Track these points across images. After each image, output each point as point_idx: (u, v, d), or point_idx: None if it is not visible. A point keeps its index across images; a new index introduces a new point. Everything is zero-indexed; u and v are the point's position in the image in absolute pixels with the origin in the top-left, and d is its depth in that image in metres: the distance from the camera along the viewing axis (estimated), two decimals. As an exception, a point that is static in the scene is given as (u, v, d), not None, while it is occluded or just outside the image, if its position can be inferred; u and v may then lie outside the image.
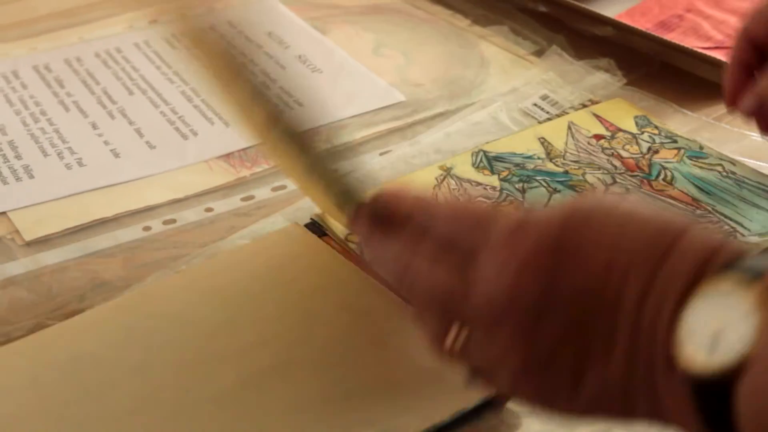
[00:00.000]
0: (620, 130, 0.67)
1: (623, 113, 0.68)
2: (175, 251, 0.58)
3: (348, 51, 0.79)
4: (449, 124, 0.69)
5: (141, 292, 0.54)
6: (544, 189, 0.61)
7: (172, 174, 0.65)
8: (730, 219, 0.58)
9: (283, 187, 0.64)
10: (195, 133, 0.69)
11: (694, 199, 0.60)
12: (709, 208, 0.59)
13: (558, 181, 0.62)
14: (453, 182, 0.62)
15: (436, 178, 0.62)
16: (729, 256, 0.34)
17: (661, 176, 0.62)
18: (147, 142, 0.68)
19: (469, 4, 0.84)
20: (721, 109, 0.69)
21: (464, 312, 0.39)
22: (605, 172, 0.62)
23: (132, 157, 0.67)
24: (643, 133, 0.66)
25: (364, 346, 0.50)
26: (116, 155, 0.67)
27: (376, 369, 0.48)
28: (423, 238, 0.41)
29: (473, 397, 0.45)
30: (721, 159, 0.63)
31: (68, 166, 0.66)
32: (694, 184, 0.61)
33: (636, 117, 0.68)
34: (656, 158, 0.64)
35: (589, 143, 0.65)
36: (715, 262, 0.34)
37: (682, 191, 0.60)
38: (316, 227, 0.59)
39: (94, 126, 0.70)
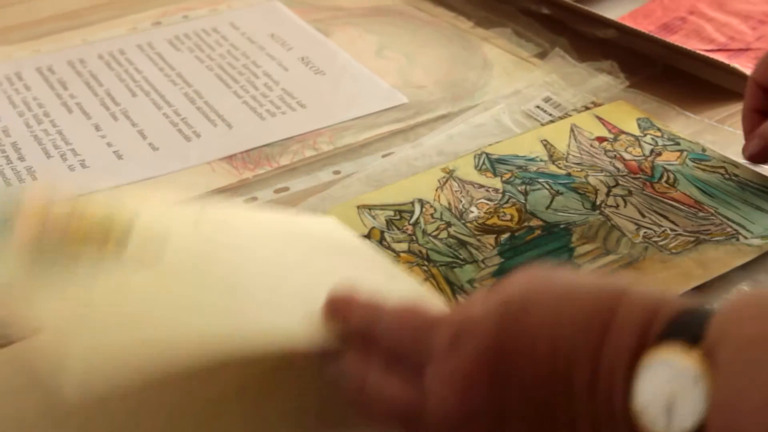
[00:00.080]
0: (623, 132, 0.67)
1: (626, 115, 0.68)
2: (178, 253, 0.58)
3: (351, 53, 0.79)
4: (452, 126, 0.69)
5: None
6: (546, 191, 0.61)
7: (175, 176, 0.65)
8: (733, 221, 0.58)
9: (286, 189, 0.64)
10: (198, 135, 0.69)
11: (697, 202, 0.60)
12: (712, 211, 0.59)
13: (560, 184, 0.62)
14: (455, 184, 0.62)
15: (439, 180, 0.62)
16: (667, 319, 0.35)
17: (664, 179, 0.62)
18: (150, 144, 0.68)
19: (472, 6, 0.84)
20: (723, 111, 0.69)
21: (425, 424, 0.39)
22: (608, 174, 0.62)
23: (135, 159, 0.67)
24: (645, 135, 0.66)
25: None
26: (119, 157, 0.67)
27: None
28: (373, 351, 0.41)
29: None
30: (724, 161, 0.63)
31: (71, 168, 0.66)
32: (696, 186, 0.61)
33: (638, 119, 0.68)
34: (659, 161, 0.64)
35: (591, 145, 0.65)
36: (654, 330, 0.35)
37: (685, 194, 0.60)
38: (319, 229, 0.59)
39: (97, 128, 0.70)
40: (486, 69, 0.76)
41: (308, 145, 0.68)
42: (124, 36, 0.82)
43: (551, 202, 0.60)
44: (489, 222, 0.59)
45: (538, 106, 0.70)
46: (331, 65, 0.77)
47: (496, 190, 0.61)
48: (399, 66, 0.77)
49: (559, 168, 0.63)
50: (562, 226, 0.58)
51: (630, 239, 0.57)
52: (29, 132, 0.69)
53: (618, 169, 0.63)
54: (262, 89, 0.74)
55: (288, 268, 0.50)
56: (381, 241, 0.57)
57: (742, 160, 0.63)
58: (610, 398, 0.35)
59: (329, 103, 0.72)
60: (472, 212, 0.59)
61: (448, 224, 0.58)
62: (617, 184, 0.61)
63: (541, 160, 0.64)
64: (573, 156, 0.64)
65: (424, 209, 0.60)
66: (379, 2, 0.87)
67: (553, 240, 0.57)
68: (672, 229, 0.57)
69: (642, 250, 0.56)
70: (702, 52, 0.72)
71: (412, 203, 0.60)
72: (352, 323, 0.42)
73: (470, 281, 0.54)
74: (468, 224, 0.58)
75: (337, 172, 0.65)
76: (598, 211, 0.59)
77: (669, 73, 0.73)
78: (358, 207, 0.60)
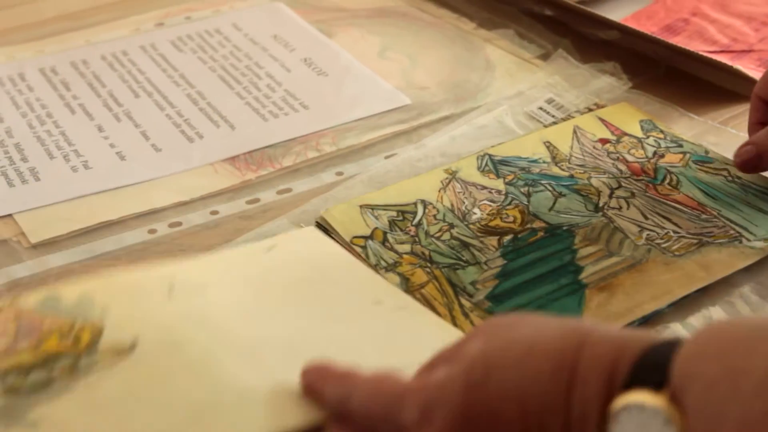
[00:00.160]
0: (626, 134, 0.67)
1: (629, 117, 0.68)
2: (181, 254, 0.58)
3: (353, 54, 0.79)
4: (455, 128, 0.69)
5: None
6: (549, 193, 0.61)
7: (178, 177, 0.65)
8: (736, 224, 0.58)
9: (289, 190, 0.64)
10: (201, 136, 0.69)
11: (700, 204, 0.60)
12: (715, 213, 0.59)
13: (563, 185, 0.62)
14: (458, 185, 0.62)
15: (442, 181, 0.62)
16: (631, 362, 0.35)
17: (667, 180, 0.62)
18: (153, 145, 0.68)
19: (475, 8, 0.84)
20: (726, 113, 0.69)
21: None
22: (611, 176, 0.62)
23: (138, 160, 0.67)
24: (648, 137, 0.66)
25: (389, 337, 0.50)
26: (122, 158, 0.67)
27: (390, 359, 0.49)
28: (350, 425, 0.41)
29: None
30: (727, 164, 0.63)
31: (74, 169, 0.66)
32: (699, 188, 0.61)
33: (641, 121, 0.68)
34: (662, 162, 0.64)
35: (594, 147, 0.65)
36: (620, 374, 0.35)
37: (688, 196, 0.60)
38: (322, 230, 0.59)
39: (100, 129, 0.70)
40: (489, 70, 0.76)
41: (311, 146, 0.68)
42: (127, 37, 0.82)
43: (554, 203, 0.60)
44: (492, 223, 0.59)
45: (540, 108, 0.70)
46: (333, 66, 0.77)
47: (498, 192, 0.61)
48: (402, 67, 0.77)
49: (562, 170, 0.63)
50: (564, 228, 0.58)
51: (633, 241, 0.57)
52: (32, 133, 0.69)
53: (621, 171, 0.63)
54: (264, 90, 0.74)
55: (269, 321, 0.50)
56: (384, 242, 0.57)
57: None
58: None
59: (332, 105, 0.72)
60: (474, 213, 0.59)
61: (451, 225, 0.58)
62: (620, 186, 0.61)
63: (544, 162, 0.64)
64: (576, 158, 0.64)
65: (426, 210, 0.60)
66: (381, 3, 0.87)
67: (555, 242, 0.57)
68: (675, 231, 0.57)
69: (645, 252, 0.56)
70: (705, 54, 0.72)
71: (415, 204, 0.60)
72: (326, 398, 0.42)
73: (473, 283, 0.54)
74: (471, 226, 0.58)
75: (339, 174, 0.65)
76: (600, 213, 0.59)
77: (672, 74, 0.73)
78: (361, 206, 0.60)
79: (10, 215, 0.62)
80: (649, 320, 0.52)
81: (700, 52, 0.72)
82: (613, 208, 0.59)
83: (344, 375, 0.42)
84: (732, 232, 0.57)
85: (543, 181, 0.62)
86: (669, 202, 0.60)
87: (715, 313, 0.52)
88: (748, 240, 0.56)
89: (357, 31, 0.83)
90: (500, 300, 0.53)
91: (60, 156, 0.67)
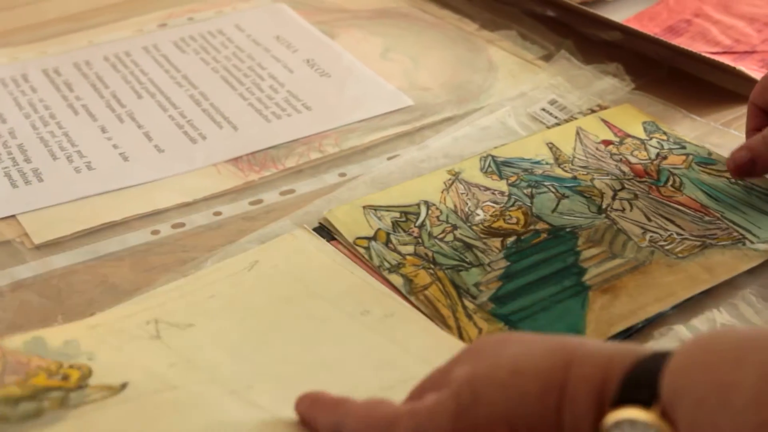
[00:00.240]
0: (628, 135, 0.67)
1: (631, 119, 0.68)
2: (184, 255, 0.58)
3: (356, 55, 0.79)
4: (457, 129, 0.69)
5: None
6: (552, 194, 0.61)
7: (181, 178, 0.65)
8: (739, 226, 0.58)
9: (292, 191, 0.64)
10: (204, 137, 0.69)
11: (703, 206, 0.60)
12: (718, 215, 0.59)
13: (566, 187, 0.62)
14: (461, 186, 0.62)
15: (445, 182, 0.62)
16: (620, 378, 0.35)
17: (670, 182, 0.62)
18: (156, 146, 0.68)
19: (477, 9, 0.84)
20: (729, 114, 0.69)
21: None
22: (614, 177, 0.62)
23: (141, 161, 0.67)
24: (651, 139, 0.66)
25: (380, 346, 0.50)
26: (125, 159, 0.67)
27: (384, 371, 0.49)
28: None
29: None
30: (730, 165, 0.63)
31: (77, 170, 0.66)
32: (702, 190, 0.61)
33: (644, 123, 0.68)
34: (665, 164, 0.64)
35: (597, 149, 0.65)
36: (610, 391, 0.35)
37: (691, 198, 0.60)
38: (325, 231, 0.59)
39: (103, 129, 0.70)
40: (491, 71, 0.76)
41: (314, 148, 0.68)
42: (129, 38, 0.82)
43: (557, 205, 0.60)
44: (495, 225, 0.59)
45: (543, 109, 0.70)
46: (336, 67, 0.77)
47: (501, 193, 0.61)
48: (404, 68, 0.77)
49: (565, 171, 0.63)
50: (568, 230, 0.58)
51: (636, 243, 0.57)
52: (35, 134, 0.69)
53: (624, 173, 0.63)
54: (267, 91, 0.74)
55: (256, 352, 0.50)
56: (387, 243, 0.57)
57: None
58: None
59: (334, 106, 0.72)
60: (478, 215, 0.59)
61: (454, 227, 0.58)
62: (623, 188, 0.61)
63: (547, 163, 0.64)
64: (579, 159, 0.64)
65: (430, 211, 0.60)
66: (383, 4, 0.87)
67: (559, 243, 0.57)
68: (678, 233, 0.57)
69: (648, 254, 0.56)
70: (707, 55, 0.72)
71: (418, 205, 0.60)
72: (319, 427, 0.42)
73: (476, 284, 0.54)
74: (474, 227, 0.58)
75: (342, 175, 0.65)
76: (604, 215, 0.59)
77: (674, 75, 0.73)
78: (364, 207, 0.60)
79: (13, 216, 0.62)
80: (652, 322, 0.52)
81: (703, 53, 0.72)
82: (616, 210, 0.59)
83: (336, 403, 0.42)
84: (735, 234, 0.57)
85: (546, 183, 0.62)
86: (672, 204, 0.60)
87: (718, 315, 0.52)
88: (752, 242, 0.56)
89: (359, 32, 0.83)
90: (504, 302, 0.53)
91: (63, 157, 0.67)
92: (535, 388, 0.37)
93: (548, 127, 0.68)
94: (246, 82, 0.75)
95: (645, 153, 0.65)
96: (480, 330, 0.51)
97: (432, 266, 0.56)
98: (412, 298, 0.53)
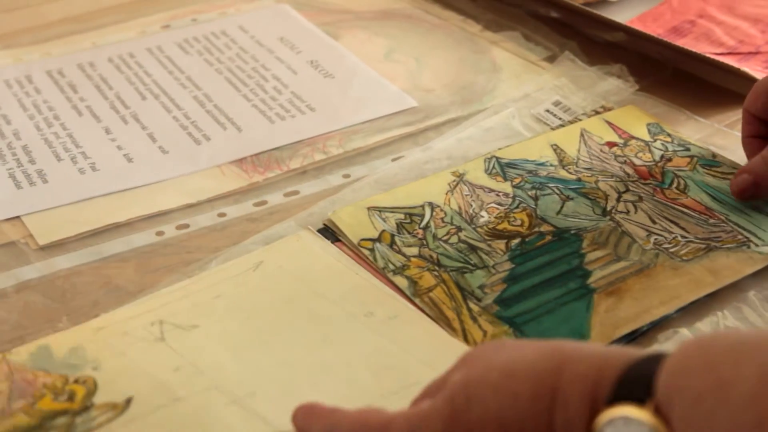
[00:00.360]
0: (633, 137, 0.67)
1: (636, 120, 0.68)
2: (188, 256, 0.58)
3: (360, 56, 0.79)
4: (461, 130, 0.69)
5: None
6: (557, 196, 0.61)
7: (185, 179, 0.65)
8: (743, 228, 0.58)
9: (296, 192, 0.64)
10: (208, 138, 0.69)
11: (708, 208, 0.60)
12: (723, 218, 0.59)
13: (571, 189, 0.62)
14: (466, 188, 0.62)
15: (449, 184, 0.62)
16: (613, 379, 0.35)
17: (674, 184, 0.62)
18: (160, 147, 0.68)
19: (481, 10, 0.84)
20: (733, 115, 0.69)
21: None
22: (618, 179, 0.62)
23: (145, 162, 0.67)
24: (655, 140, 0.66)
25: (383, 348, 0.50)
26: (129, 160, 0.67)
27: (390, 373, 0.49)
28: None
29: None
30: (734, 168, 0.63)
31: (81, 171, 0.66)
32: (707, 192, 0.61)
33: (648, 124, 0.68)
34: (669, 166, 0.64)
35: (601, 150, 0.65)
36: (603, 392, 0.35)
37: (695, 200, 0.60)
38: (329, 233, 0.59)
39: (107, 131, 0.70)
40: (495, 72, 0.76)
41: (318, 149, 0.68)
42: (133, 39, 0.82)
43: (562, 207, 0.60)
44: (499, 227, 0.59)
45: (547, 110, 0.70)
46: (340, 68, 0.77)
47: (506, 195, 0.61)
48: (408, 69, 0.77)
49: (569, 173, 0.63)
50: (572, 232, 0.58)
51: (641, 246, 0.57)
52: (39, 135, 0.69)
53: (628, 175, 0.63)
54: (271, 92, 0.74)
55: (260, 356, 0.50)
56: (391, 245, 0.57)
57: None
58: None
59: (338, 107, 0.72)
60: (482, 217, 0.59)
61: (459, 229, 0.58)
62: (627, 190, 0.61)
63: (551, 165, 0.64)
64: (583, 161, 0.64)
65: (434, 213, 0.60)
66: (387, 5, 0.87)
67: (563, 246, 0.57)
68: (683, 236, 0.57)
69: (653, 256, 0.56)
70: (711, 56, 0.72)
71: (423, 206, 0.60)
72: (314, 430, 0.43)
73: (481, 287, 0.54)
74: (478, 229, 0.58)
75: (347, 176, 0.65)
76: (608, 217, 0.59)
77: (678, 76, 0.73)
78: (369, 209, 0.60)
79: (18, 217, 0.62)
80: (657, 325, 0.52)
81: (707, 54, 0.72)
82: (621, 212, 0.59)
83: (330, 411, 0.42)
84: (740, 237, 0.57)
85: (550, 185, 0.62)
86: (677, 207, 0.60)
87: (723, 318, 0.52)
88: (756, 245, 0.56)
89: (363, 33, 0.83)
90: (508, 304, 0.53)
91: (67, 158, 0.67)
92: (527, 390, 0.37)
93: (552, 129, 0.68)
94: (250, 83, 0.75)
95: (649, 155, 0.65)
96: (485, 332, 0.51)
97: (436, 268, 0.56)
98: (417, 300, 0.53)
